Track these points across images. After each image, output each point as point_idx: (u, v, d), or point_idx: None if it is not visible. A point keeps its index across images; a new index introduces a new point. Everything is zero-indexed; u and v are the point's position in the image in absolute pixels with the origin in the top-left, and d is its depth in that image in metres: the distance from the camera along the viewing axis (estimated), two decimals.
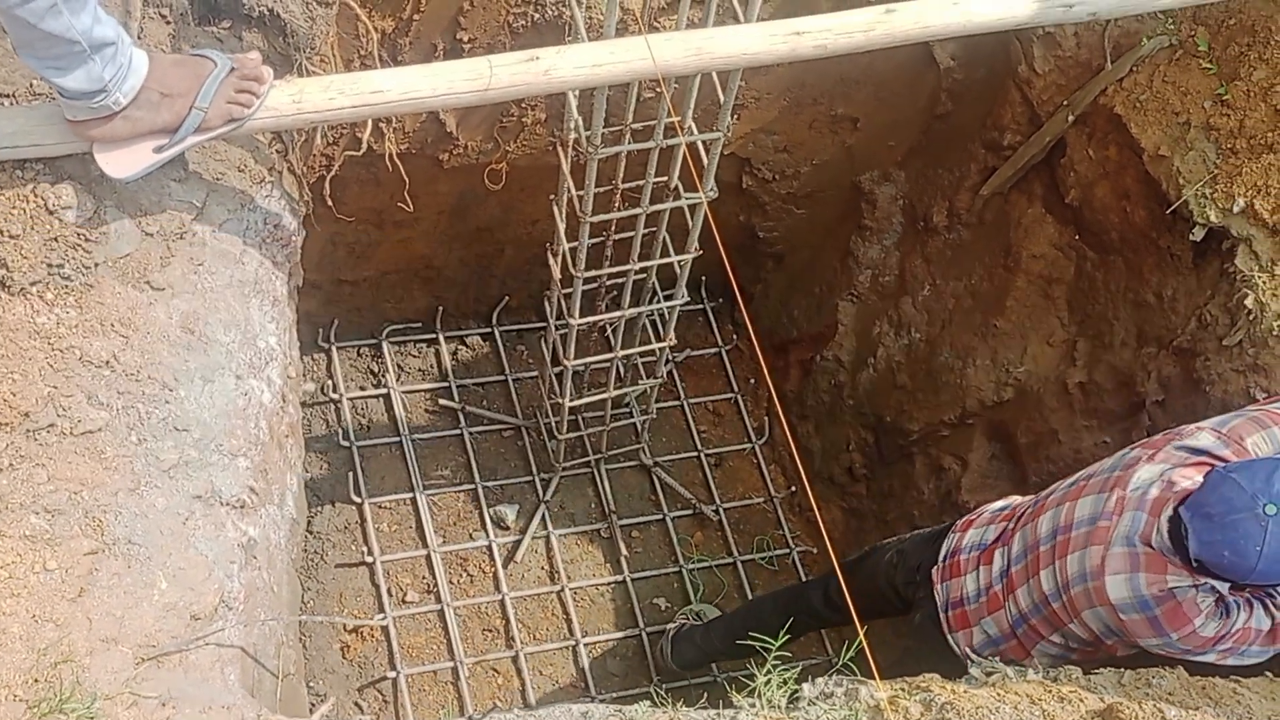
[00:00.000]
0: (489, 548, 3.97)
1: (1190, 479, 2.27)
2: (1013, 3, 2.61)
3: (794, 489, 4.28)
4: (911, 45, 2.79)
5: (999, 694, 2.11)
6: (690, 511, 4.19)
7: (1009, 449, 3.64)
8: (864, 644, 2.01)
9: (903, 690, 2.12)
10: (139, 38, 2.30)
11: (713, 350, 4.54)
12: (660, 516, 4.15)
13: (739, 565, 4.10)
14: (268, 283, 2.50)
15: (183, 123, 2.10)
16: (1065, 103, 3.27)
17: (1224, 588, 2.24)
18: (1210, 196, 2.92)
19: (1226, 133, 2.93)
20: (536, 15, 2.92)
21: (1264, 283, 2.78)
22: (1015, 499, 2.81)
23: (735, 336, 4.54)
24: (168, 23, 2.36)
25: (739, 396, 4.46)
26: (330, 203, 3.07)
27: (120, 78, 2.00)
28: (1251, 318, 2.78)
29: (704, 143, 2.89)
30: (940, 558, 2.75)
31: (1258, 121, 2.88)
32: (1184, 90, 3.03)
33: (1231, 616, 2.24)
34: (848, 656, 2.19)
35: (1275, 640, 2.27)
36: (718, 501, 4.22)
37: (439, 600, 3.85)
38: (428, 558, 3.92)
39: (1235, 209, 2.87)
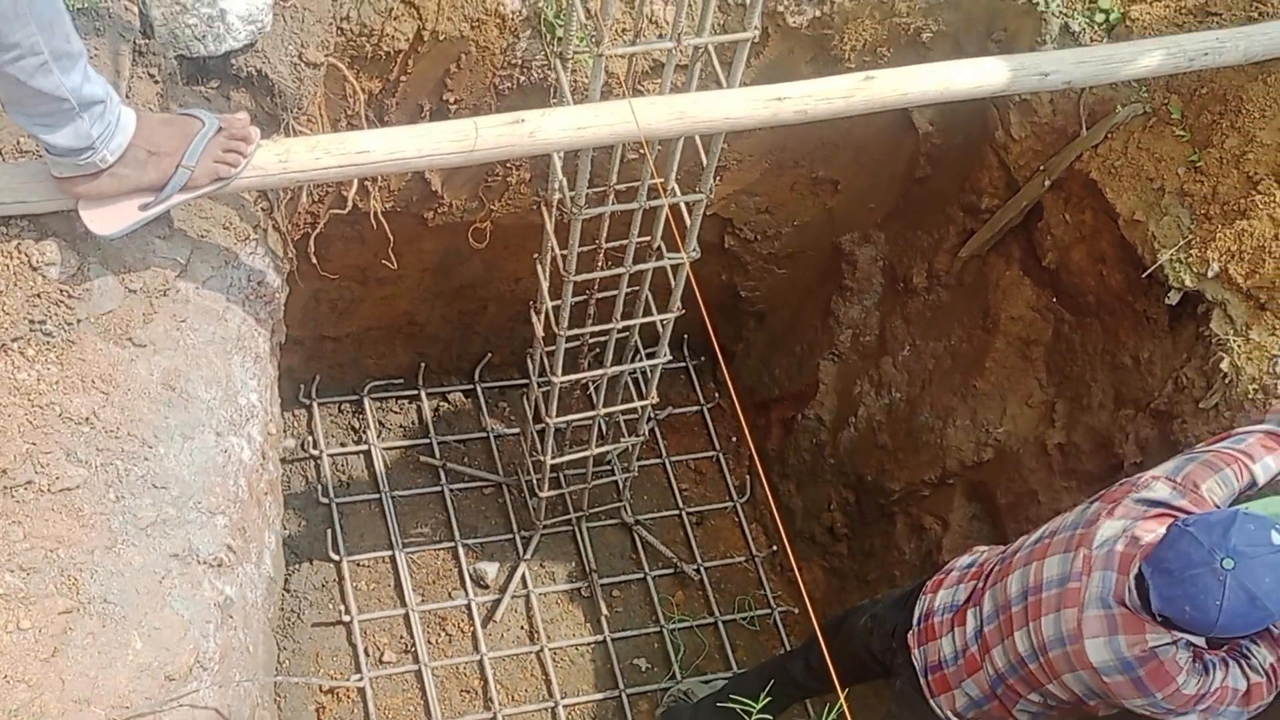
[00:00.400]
0: (468, 607, 3.93)
1: (1153, 532, 2.29)
2: (989, 71, 2.67)
3: (775, 548, 4.27)
4: (890, 111, 2.84)
5: None
6: (671, 570, 4.17)
7: (989, 509, 3.65)
8: (844, 710, 1.99)
9: None
10: (127, 96, 2.32)
11: (694, 408, 4.55)
12: (641, 575, 4.12)
13: (720, 625, 4.08)
14: (250, 339, 2.50)
15: (169, 181, 2.11)
16: (1041, 168, 3.33)
17: (1200, 643, 2.25)
18: (1185, 261, 2.96)
19: (1200, 199, 2.99)
20: (522, 78, 2.96)
21: (1239, 346, 2.81)
22: (981, 551, 2.82)
23: (717, 394, 4.55)
24: (156, 82, 2.38)
25: (720, 455, 4.47)
26: (314, 260, 3.08)
27: (108, 135, 2.01)
28: (1227, 381, 2.81)
29: (687, 204, 2.92)
30: (914, 621, 2.75)
31: (1230, 188, 2.94)
32: (1158, 157, 3.09)
33: (1210, 675, 2.25)
34: None
35: (1249, 702, 2.28)
36: (699, 560, 4.20)
37: (417, 660, 3.80)
38: (406, 617, 3.88)
39: (1210, 274, 2.91)
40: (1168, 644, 2.23)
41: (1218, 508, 2.34)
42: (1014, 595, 2.49)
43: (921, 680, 2.71)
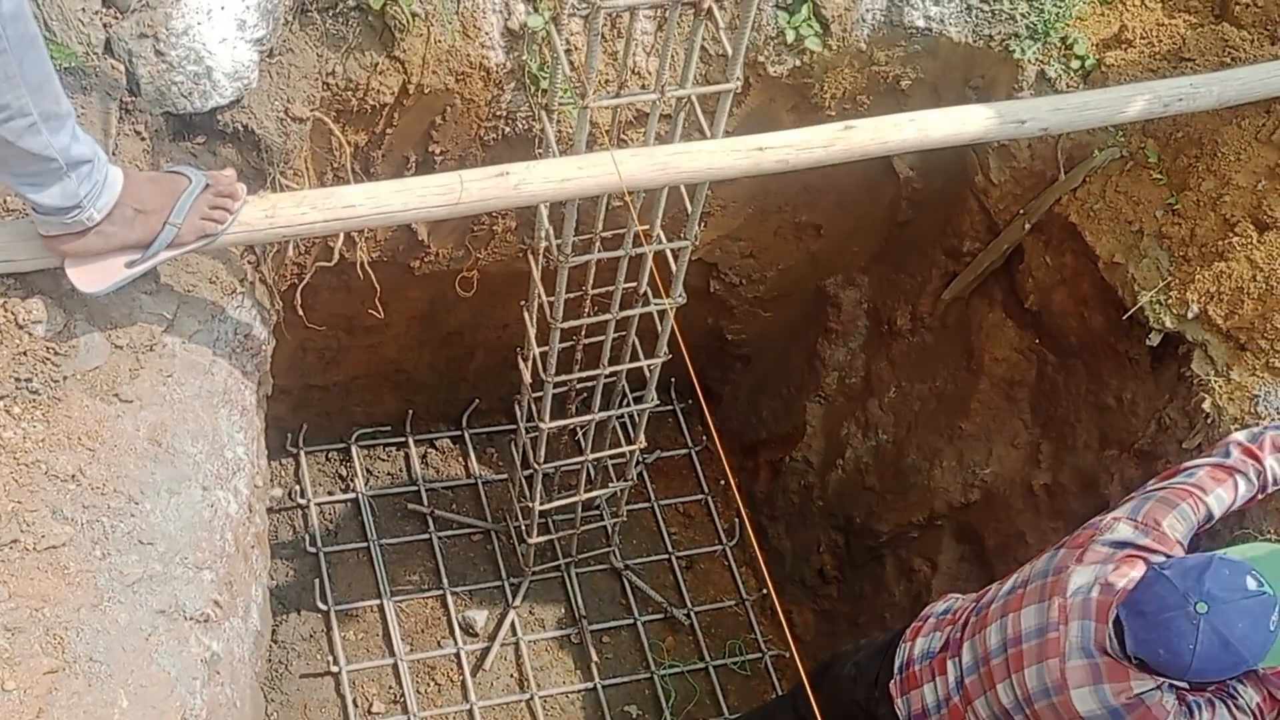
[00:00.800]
0: (457, 655, 3.91)
1: (1126, 576, 2.30)
2: (966, 119, 2.71)
3: (765, 591, 4.27)
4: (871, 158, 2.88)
5: None
6: (661, 615, 4.16)
7: (977, 550, 3.65)
8: None
9: None
10: (114, 153, 2.33)
11: (683, 451, 4.56)
12: (631, 621, 4.11)
13: (711, 670, 4.06)
14: (237, 392, 2.50)
15: (156, 238, 2.13)
16: (1021, 211, 3.37)
17: (1184, 686, 2.25)
18: (1165, 303, 2.99)
19: (1178, 241, 3.02)
20: (507, 129, 2.99)
21: (1220, 387, 2.84)
22: (955, 599, 2.83)
23: (705, 438, 4.56)
24: (143, 139, 2.40)
25: (709, 498, 4.47)
26: (301, 311, 3.09)
27: (95, 194, 2.02)
28: (1209, 421, 2.83)
29: (672, 251, 2.94)
30: (895, 670, 2.75)
31: (1208, 230, 2.98)
32: (1136, 200, 3.13)
33: (1195, 716, 2.25)
34: None
35: None
36: (689, 605, 4.19)
37: (406, 711, 3.77)
38: (394, 666, 3.85)
39: (1190, 315, 2.94)
40: (1152, 689, 2.23)
41: (1180, 544, 2.36)
42: (993, 647, 2.49)
43: None
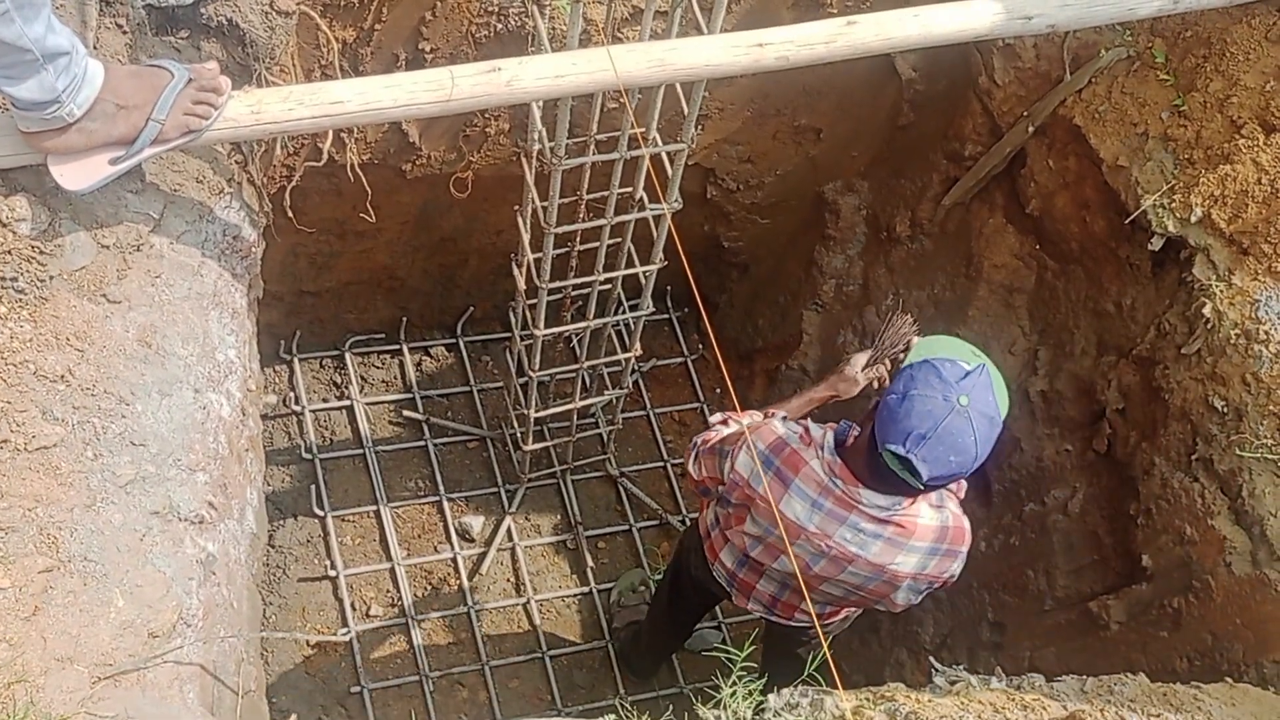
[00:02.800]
0: (454, 560, 3.94)
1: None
2: (972, 15, 2.63)
3: None
4: (873, 57, 2.80)
5: (963, 702, 2.12)
6: (656, 522, 4.18)
7: None
8: (828, 655, 2.01)
9: (867, 700, 2.12)
10: (94, 48, 2.27)
11: (678, 360, 4.54)
12: (626, 527, 4.14)
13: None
14: (227, 295, 2.47)
15: (139, 134, 2.07)
16: (1025, 114, 3.30)
17: None
18: (1168, 206, 2.95)
19: (1184, 143, 2.97)
20: (499, 26, 2.91)
21: (1221, 292, 2.81)
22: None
23: (701, 346, 4.54)
24: (124, 33, 2.33)
25: (705, 406, 4.46)
26: (291, 214, 3.04)
27: (74, 89, 1.97)
28: (1209, 326, 2.81)
29: (668, 154, 2.89)
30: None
31: (1214, 132, 2.92)
32: (1142, 101, 3.07)
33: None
34: (813, 667, 2.19)
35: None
36: (684, 512, 4.21)
37: (403, 614, 3.81)
38: (392, 571, 3.88)
39: (1193, 219, 2.90)
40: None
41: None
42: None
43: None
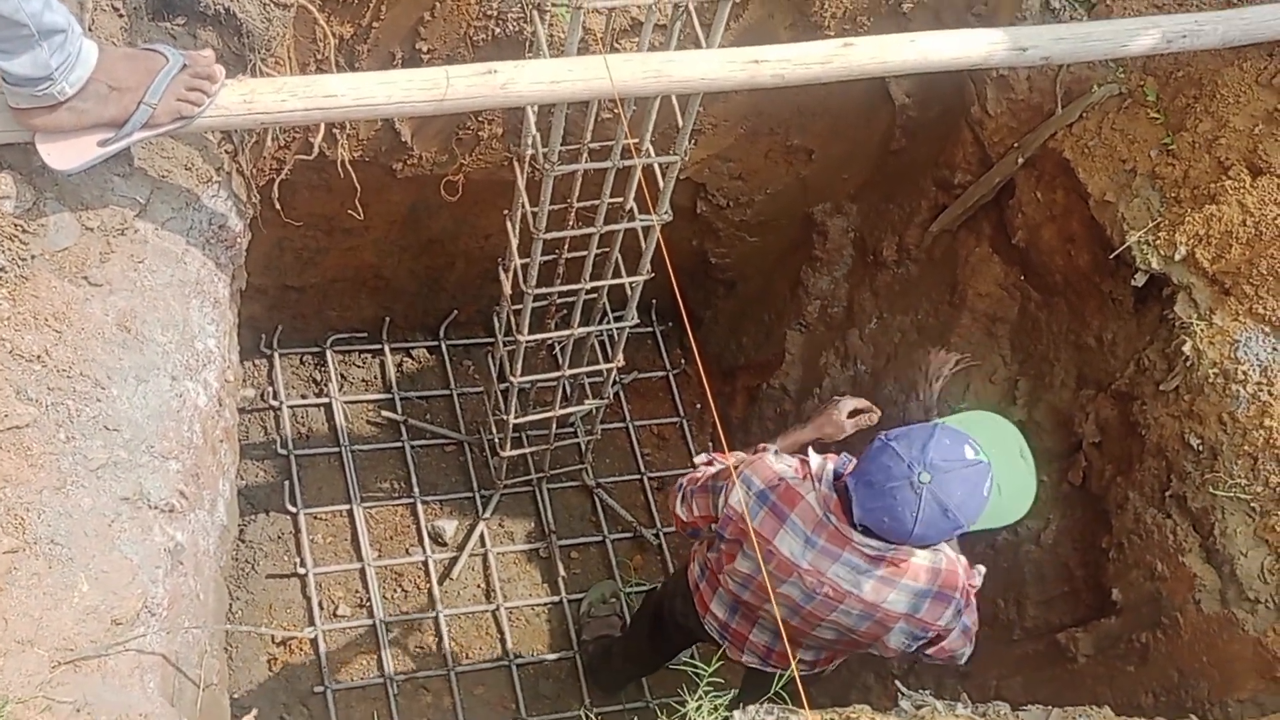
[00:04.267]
0: (425, 563, 3.92)
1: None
2: (968, 43, 2.65)
3: None
4: (868, 80, 2.82)
5: None
6: (630, 535, 4.17)
7: None
8: (795, 674, 2.00)
9: None
10: (90, 28, 2.25)
11: (660, 374, 4.54)
12: (600, 538, 4.12)
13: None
14: (209, 284, 2.45)
15: (130, 118, 2.06)
16: (1016, 145, 3.33)
17: None
18: (1153, 243, 2.97)
19: (1171, 182, 3.00)
20: (498, 29, 2.91)
21: (1201, 330, 2.83)
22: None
23: (683, 361, 4.54)
24: (121, 15, 2.32)
25: (684, 421, 4.46)
26: (279, 206, 3.03)
27: (68, 67, 1.95)
28: (1188, 364, 2.83)
29: (660, 166, 2.89)
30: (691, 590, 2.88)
31: (1201, 172, 2.95)
32: (1131, 138, 3.09)
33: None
34: (779, 685, 2.18)
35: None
36: (659, 525, 4.20)
37: (371, 615, 3.79)
38: (362, 571, 3.86)
39: (1177, 257, 2.92)
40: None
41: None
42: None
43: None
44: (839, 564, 2.39)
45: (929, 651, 2.56)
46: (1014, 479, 2.42)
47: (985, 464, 2.25)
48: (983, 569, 2.53)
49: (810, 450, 2.54)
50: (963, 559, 2.51)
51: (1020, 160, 3.31)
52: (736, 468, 2.55)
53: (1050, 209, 3.30)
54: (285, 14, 2.58)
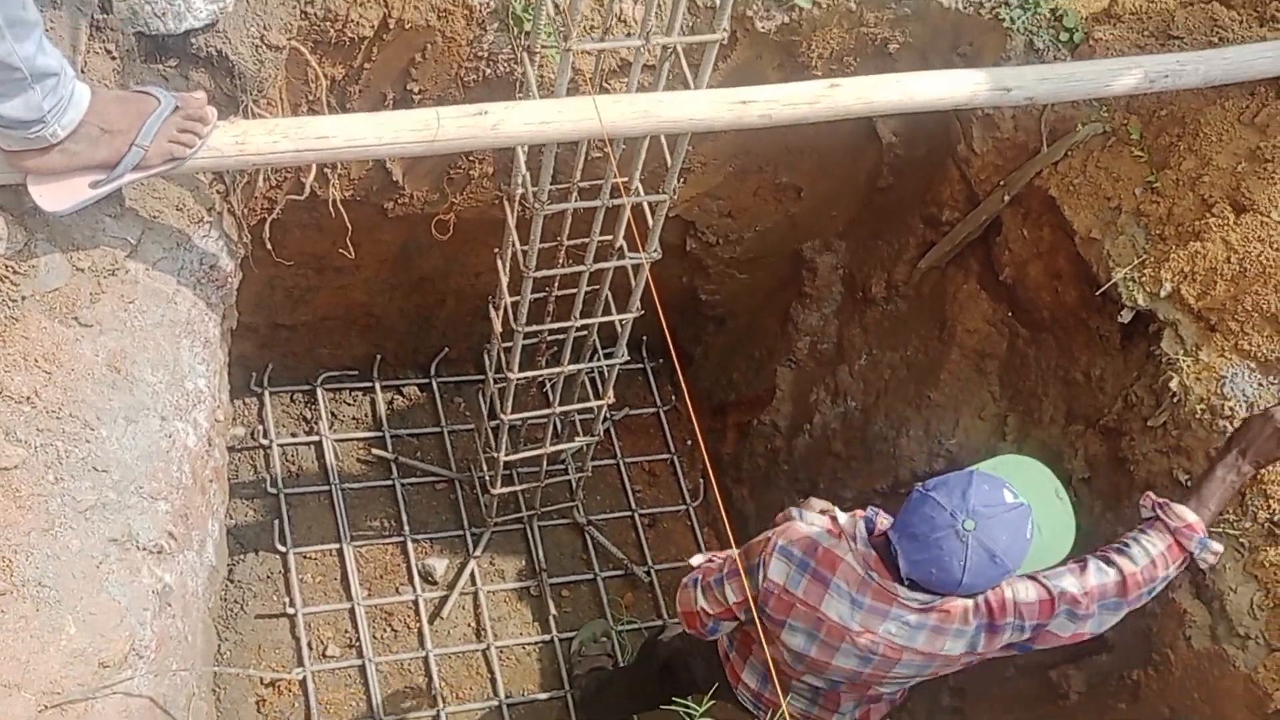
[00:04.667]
0: (415, 602, 3.90)
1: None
2: (953, 84, 2.69)
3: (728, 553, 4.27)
4: (855, 120, 2.85)
5: None
6: (622, 572, 4.15)
7: None
8: (786, 712, 2.00)
9: None
10: (83, 71, 2.27)
11: (651, 410, 4.54)
12: (591, 576, 4.11)
13: (666, 619, 4.07)
14: (200, 324, 2.46)
15: (121, 159, 2.07)
16: (1002, 183, 3.36)
17: None
18: (1139, 280, 2.99)
19: (1156, 219, 3.02)
20: (488, 70, 2.94)
21: (1188, 366, 2.85)
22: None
23: (674, 397, 4.55)
24: (113, 58, 2.34)
25: (675, 458, 4.46)
26: (270, 246, 3.04)
27: (60, 110, 1.97)
28: (1176, 400, 2.84)
29: (650, 204, 2.91)
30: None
31: (1185, 209, 2.98)
32: (1116, 176, 3.12)
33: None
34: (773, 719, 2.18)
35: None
36: (650, 563, 4.19)
37: (361, 655, 3.76)
38: (351, 611, 3.84)
39: (1163, 293, 2.94)
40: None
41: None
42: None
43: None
44: (889, 620, 2.37)
45: (1043, 648, 2.51)
46: (1053, 519, 2.41)
47: (1026, 507, 2.25)
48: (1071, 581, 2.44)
49: (837, 509, 2.53)
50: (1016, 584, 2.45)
51: (1006, 198, 3.34)
52: (752, 550, 2.52)
53: (1037, 246, 3.32)
54: (277, 55, 2.60)
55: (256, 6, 2.52)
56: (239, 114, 2.58)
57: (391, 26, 2.74)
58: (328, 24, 2.67)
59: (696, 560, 2.74)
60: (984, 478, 2.27)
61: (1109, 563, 2.45)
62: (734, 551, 2.60)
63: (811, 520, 2.58)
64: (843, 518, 2.48)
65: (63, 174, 2.06)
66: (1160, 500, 2.52)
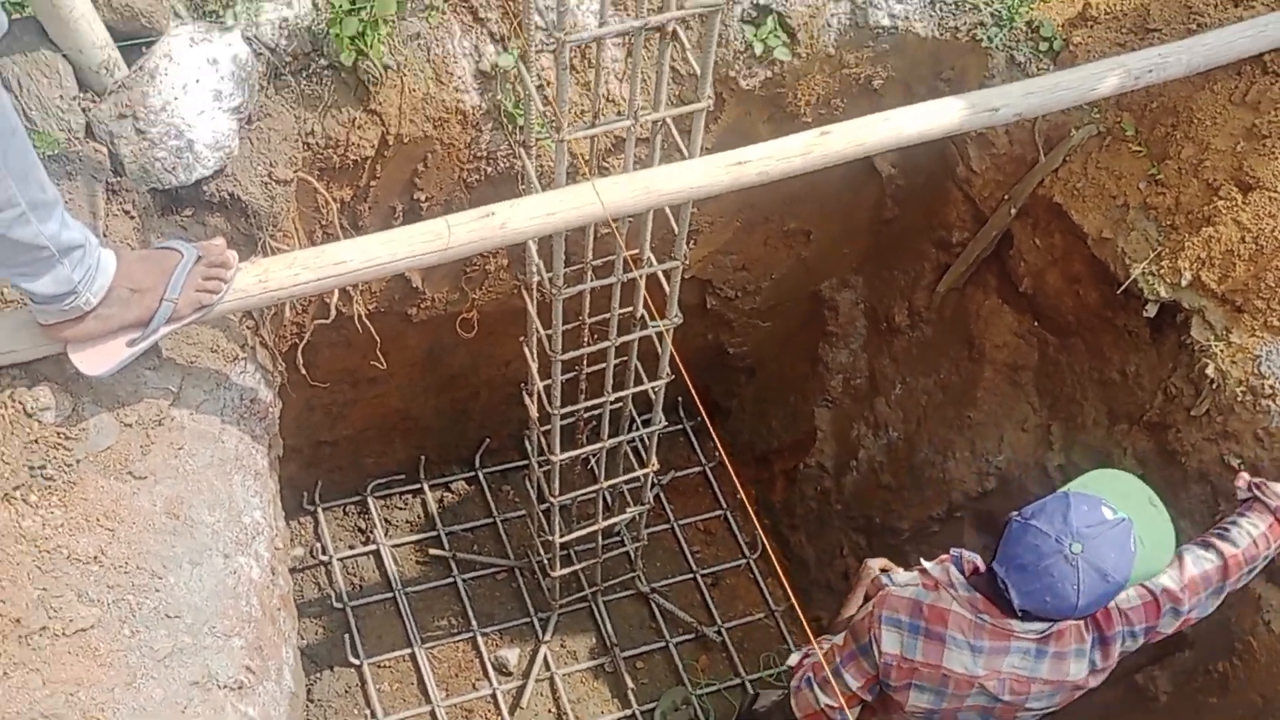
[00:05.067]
0: (493, 696, 3.91)
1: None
2: (940, 113, 2.73)
3: (791, 603, 4.26)
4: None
5: None
6: (692, 635, 4.15)
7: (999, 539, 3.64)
8: None
9: None
10: (104, 235, 2.36)
11: (697, 469, 4.56)
12: (663, 643, 4.11)
13: (748, 685, 4.05)
14: (248, 457, 2.52)
15: (154, 316, 2.15)
16: (1005, 197, 3.38)
17: None
18: (1158, 273, 3.00)
19: (1164, 210, 3.04)
20: (489, 168, 3.02)
21: (1221, 351, 2.85)
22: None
23: (718, 453, 4.56)
24: (131, 217, 2.43)
25: (728, 513, 4.47)
26: (304, 369, 3.11)
27: (89, 279, 2.04)
28: (1215, 386, 2.84)
29: (663, 272, 2.96)
30: None
31: (1192, 196, 2.99)
32: (1118, 174, 3.15)
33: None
34: None
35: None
36: (719, 622, 4.18)
37: None
38: (432, 714, 3.85)
39: (1183, 282, 2.95)
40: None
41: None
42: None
43: None
44: (1011, 656, 2.36)
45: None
46: (1151, 529, 2.39)
47: (1126, 520, 2.24)
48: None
49: (922, 560, 2.53)
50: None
51: (1012, 211, 3.36)
52: (858, 631, 2.52)
53: (1051, 253, 3.34)
54: (287, 189, 2.69)
55: (260, 146, 2.61)
56: (258, 250, 2.66)
57: (391, 143, 2.83)
58: (330, 151, 2.76)
59: (794, 659, 2.71)
60: (1081, 498, 2.25)
61: (1207, 547, 2.44)
62: (830, 639, 2.59)
63: (904, 580, 2.56)
64: (932, 567, 2.47)
65: (99, 338, 2.14)
66: (1256, 480, 2.50)
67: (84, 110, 2.38)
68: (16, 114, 1.86)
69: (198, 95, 2.46)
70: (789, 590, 4.16)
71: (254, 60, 2.54)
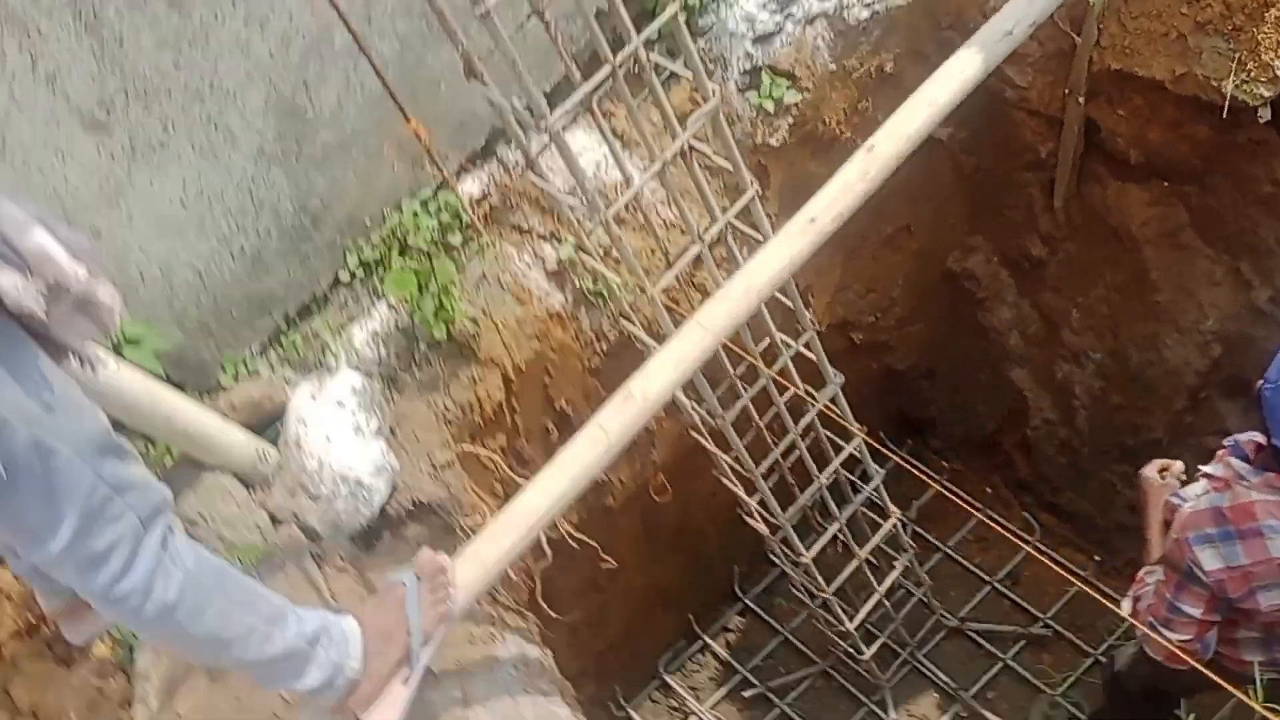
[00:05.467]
0: None
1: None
2: (964, 67, 2.69)
3: (1099, 558, 4.08)
4: None
5: None
6: (1023, 641, 4.00)
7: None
8: None
9: None
10: (333, 599, 2.50)
11: (931, 492, 4.46)
12: (1000, 664, 3.97)
13: (1098, 659, 3.87)
14: (552, 717, 2.58)
15: (411, 652, 2.25)
16: (1067, 91, 3.30)
17: None
18: (1250, 78, 2.87)
19: (1219, 19, 2.92)
20: (603, 345, 3.10)
21: None
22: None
23: (945, 464, 4.46)
24: (347, 571, 2.57)
25: (985, 511, 4.34)
26: (547, 607, 3.19)
27: (344, 652, 2.16)
28: None
29: (804, 346, 2.96)
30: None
31: None
32: (1156, 13, 3.05)
33: None
34: None
35: None
36: (1041, 615, 4.03)
37: None
38: None
39: (1278, 72, 2.81)
40: None
41: None
42: None
43: None
44: None
45: None
46: None
47: None
48: None
49: (1201, 469, 2.44)
50: None
51: (1081, 100, 3.27)
52: (1173, 561, 2.43)
53: (1139, 116, 3.23)
54: (452, 469, 2.81)
55: (412, 448, 2.75)
56: (458, 534, 2.78)
57: (514, 376, 2.95)
58: (469, 415, 2.88)
59: (1126, 607, 2.61)
60: None
61: None
62: (1151, 571, 2.47)
63: (1194, 493, 2.45)
64: (1214, 468, 2.37)
65: (377, 694, 2.25)
66: None
67: (261, 505, 2.56)
68: (215, 554, 2.01)
69: (341, 438, 2.62)
70: (1084, 547, 4.01)
71: (369, 382, 2.70)
